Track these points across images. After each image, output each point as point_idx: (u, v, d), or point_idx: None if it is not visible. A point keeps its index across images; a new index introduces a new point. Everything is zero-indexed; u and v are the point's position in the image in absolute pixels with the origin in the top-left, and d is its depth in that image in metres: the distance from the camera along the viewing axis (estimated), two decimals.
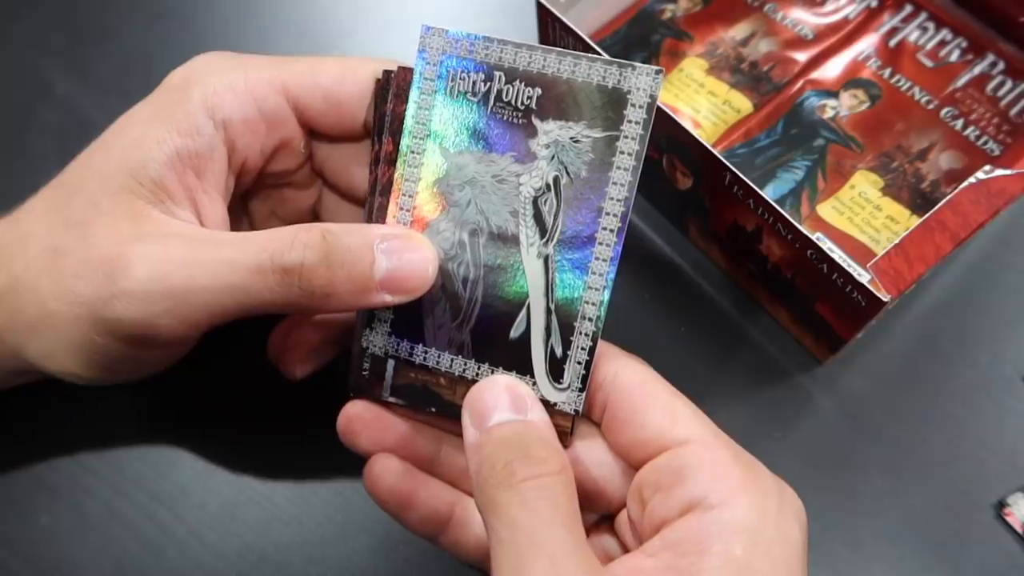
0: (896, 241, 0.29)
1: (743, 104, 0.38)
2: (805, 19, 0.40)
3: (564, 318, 0.24)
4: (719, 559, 0.20)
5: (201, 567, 0.32)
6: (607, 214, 0.24)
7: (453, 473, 0.27)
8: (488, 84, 0.24)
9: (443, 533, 0.26)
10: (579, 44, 0.33)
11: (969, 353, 0.35)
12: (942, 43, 0.39)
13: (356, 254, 0.23)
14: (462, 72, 0.25)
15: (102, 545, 0.33)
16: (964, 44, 0.39)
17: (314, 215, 0.32)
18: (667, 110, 0.31)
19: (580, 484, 0.24)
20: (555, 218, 0.24)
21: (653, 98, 0.23)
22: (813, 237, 0.29)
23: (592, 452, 0.25)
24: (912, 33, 0.39)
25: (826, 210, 0.35)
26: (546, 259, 0.24)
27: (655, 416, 0.23)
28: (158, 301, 0.23)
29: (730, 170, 0.30)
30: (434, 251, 0.25)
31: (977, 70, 0.38)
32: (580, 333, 0.24)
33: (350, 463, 0.34)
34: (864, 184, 0.36)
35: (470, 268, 0.25)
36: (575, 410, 0.25)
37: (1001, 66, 0.38)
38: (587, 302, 0.24)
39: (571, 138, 0.24)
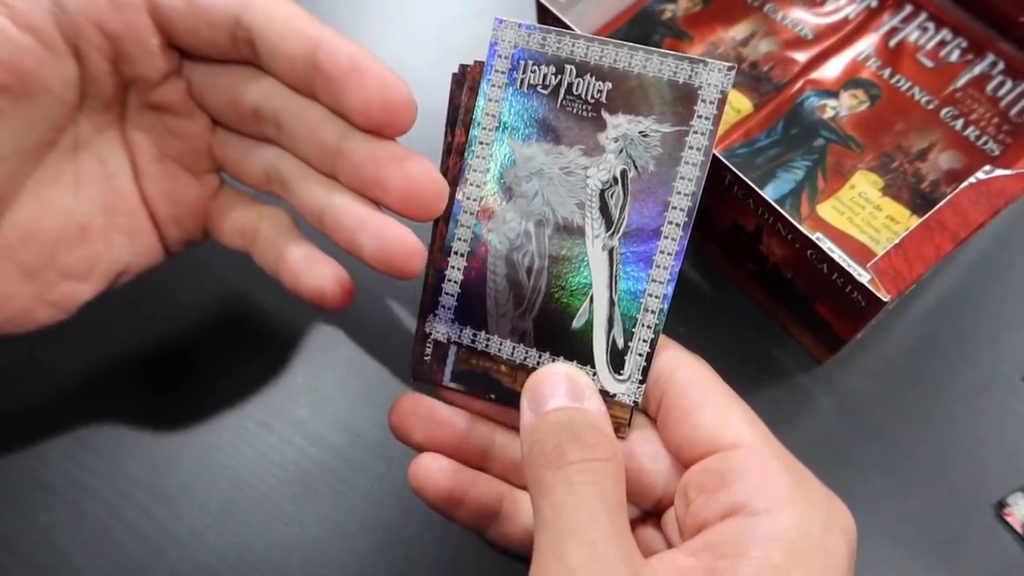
0: (896, 241, 0.29)
1: (743, 104, 0.38)
2: (805, 19, 0.40)
3: (627, 310, 0.25)
4: (757, 564, 0.20)
5: (201, 567, 0.32)
6: (674, 208, 0.24)
7: (504, 467, 0.27)
8: (559, 77, 0.25)
9: (491, 526, 0.26)
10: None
11: (969, 353, 0.35)
12: (942, 43, 0.39)
13: None
14: (533, 65, 0.25)
15: (101, 545, 0.33)
16: (964, 44, 0.39)
17: (211, 155, 0.29)
18: None
19: (632, 477, 0.24)
20: (621, 211, 0.24)
21: (724, 94, 0.24)
22: (813, 237, 0.29)
23: (646, 447, 0.25)
24: (912, 33, 0.39)
25: (826, 210, 0.35)
26: (611, 251, 0.24)
27: (708, 417, 0.23)
28: None
29: (730, 170, 0.30)
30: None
31: (977, 70, 0.38)
32: (643, 325, 0.25)
33: (350, 464, 0.34)
34: (864, 184, 0.36)
35: (535, 258, 0.25)
36: (634, 401, 0.25)
37: (1001, 66, 0.38)
38: (650, 295, 0.24)
39: (640, 132, 0.24)
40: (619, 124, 0.24)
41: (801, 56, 0.39)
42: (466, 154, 0.26)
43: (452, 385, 0.26)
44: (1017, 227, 0.37)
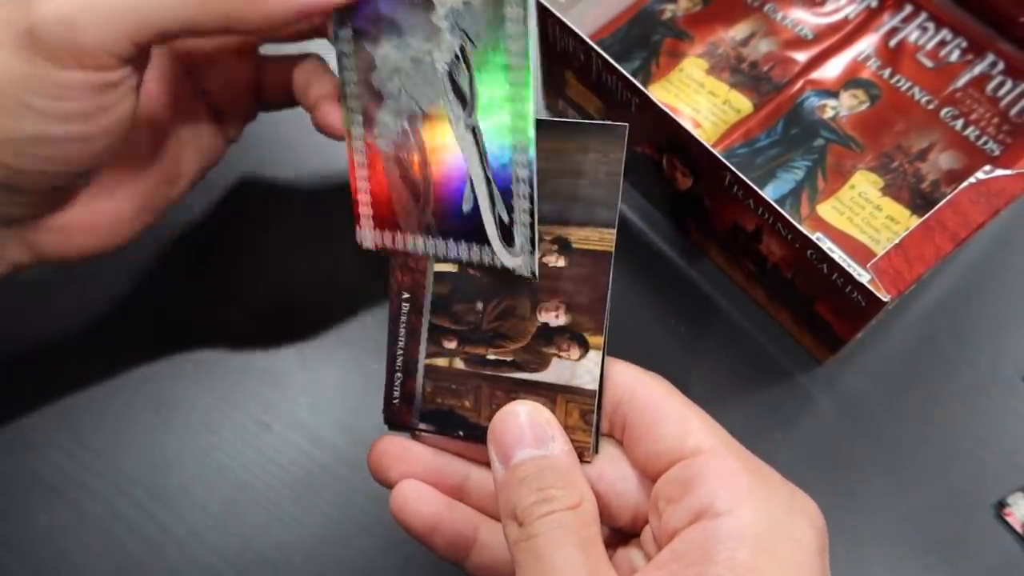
0: (896, 241, 0.29)
1: (743, 104, 0.38)
2: (805, 19, 0.40)
3: (502, 184, 0.25)
4: (724, 566, 0.20)
5: (201, 567, 0.32)
6: (513, 70, 0.24)
7: (480, 500, 0.27)
8: None
9: (468, 557, 0.27)
10: (579, 44, 0.33)
11: (969, 353, 0.35)
12: (942, 43, 0.39)
13: None
14: None
15: (102, 545, 0.33)
16: (964, 44, 0.39)
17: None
18: (667, 110, 0.31)
19: (605, 500, 0.25)
20: (470, 87, 0.25)
21: None
22: (813, 237, 0.29)
23: (615, 467, 0.25)
24: (912, 33, 0.39)
25: (826, 210, 0.35)
26: (474, 130, 0.25)
27: (668, 429, 0.24)
28: (79, 4, 0.22)
29: (730, 170, 0.30)
30: None
31: (977, 70, 0.38)
32: (519, 196, 0.25)
33: (350, 464, 0.34)
34: (864, 184, 0.36)
35: (416, 152, 0.26)
36: (532, 272, 0.25)
37: (1001, 66, 0.38)
38: (517, 164, 0.25)
39: (464, 2, 0.24)
40: (444, 1, 0.25)
41: (801, 56, 0.39)
42: (337, 70, 0.27)
43: (422, 426, 0.27)
44: (1017, 227, 0.37)
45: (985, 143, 0.36)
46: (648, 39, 0.40)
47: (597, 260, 0.25)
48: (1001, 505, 0.32)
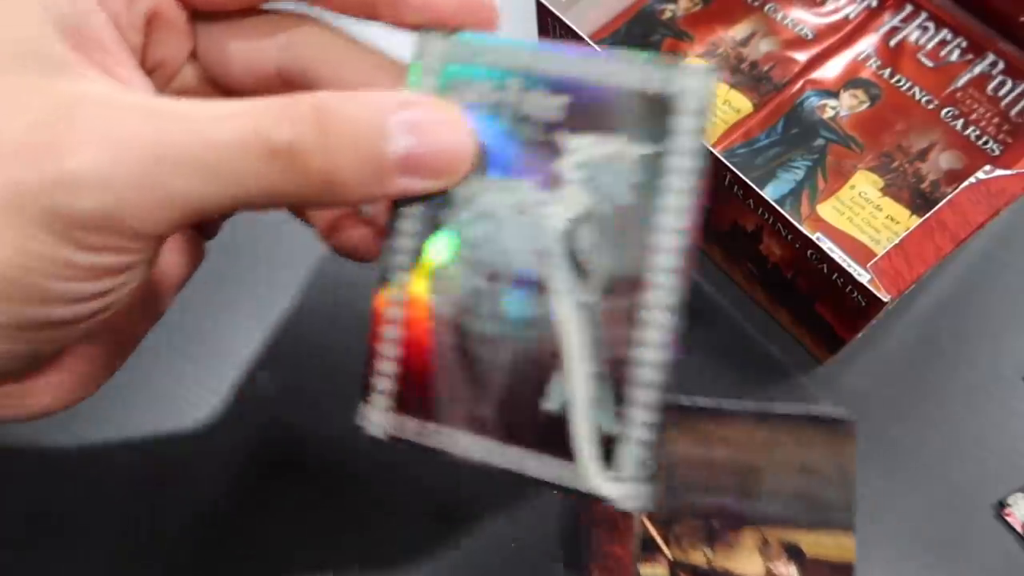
0: (896, 241, 0.29)
1: (743, 104, 0.38)
2: (805, 19, 0.40)
3: (614, 385, 0.19)
4: None
5: (200, 568, 0.32)
6: (661, 250, 0.20)
7: None
8: (500, 94, 0.20)
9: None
10: (579, 44, 0.33)
11: (969, 353, 0.35)
12: (942, 43, 0.39)
13: (362, 127, 0.18)
14: (467, 80, 0.20)
15: (100, 546, 0.33)
16: (964, 44, 0.39)
17: None
18: None
19: None
20: (595, 258, 0.20)
21: (706, 103, 0.19)
22: (813, 237, 0.29)
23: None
24: (912, 33, 0.39)
25: (826, 210, 0.35)
26: (586, 309, 0.19)
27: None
28: (119, 188, 0.17)
29: (730, 170, 0.30)
30: (472, 123, 0.20)
31: (977, 70, 0.38)
32: (636, 404, 0.19)
33: (351, 463, 0.34)
34: (864, 184, 0.36)
35: (488, 323, 0.20)
36: (642, 507, 0.19)
37: (1001, 66, 0.38)
38: (643, 363, 0.19)
39: (607, 156, 0.19)
40: (581, 147, 0.20)
41: (801, 56, 0.39)
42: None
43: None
44: (1017, 227, 0.37)
45: (985, 143, 0.36)
46: (648, 39, 0.40)
47: (835, 573, 0.21)
48: (1001, 505, 0.32)
